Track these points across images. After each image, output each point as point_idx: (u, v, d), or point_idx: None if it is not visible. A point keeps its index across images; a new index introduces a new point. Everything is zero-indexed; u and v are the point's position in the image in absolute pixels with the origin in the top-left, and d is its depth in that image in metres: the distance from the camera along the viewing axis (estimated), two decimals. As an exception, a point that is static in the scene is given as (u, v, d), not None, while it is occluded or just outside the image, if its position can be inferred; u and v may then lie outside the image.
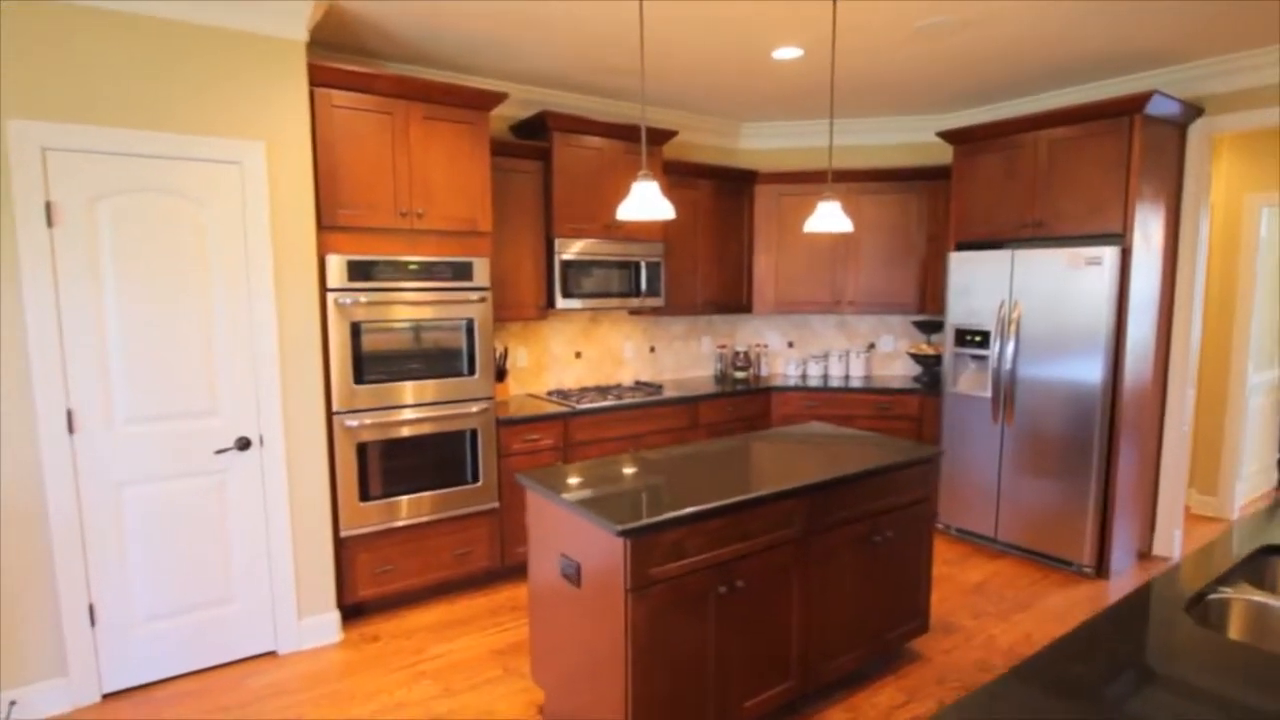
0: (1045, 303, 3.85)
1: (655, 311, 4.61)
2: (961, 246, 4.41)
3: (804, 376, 5.12)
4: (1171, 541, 4.07)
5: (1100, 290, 3.63)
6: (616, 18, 3.14)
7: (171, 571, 2.87)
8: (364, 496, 3.32)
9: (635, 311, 4.72)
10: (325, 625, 3.19)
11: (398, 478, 3.40)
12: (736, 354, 5.12)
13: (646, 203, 2.32)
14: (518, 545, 3.81)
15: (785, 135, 5.28)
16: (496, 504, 3.70)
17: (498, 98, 3.50)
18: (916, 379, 4.96)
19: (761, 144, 5.34)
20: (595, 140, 4.12)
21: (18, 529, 2.58)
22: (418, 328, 3.41)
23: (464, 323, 3.53)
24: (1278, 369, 5.09)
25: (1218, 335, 4.70)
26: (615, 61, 3.76)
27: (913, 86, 4.26)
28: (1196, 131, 3.86)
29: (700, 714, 2.28)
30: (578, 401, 4.07)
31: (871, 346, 5.37)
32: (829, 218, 2.86)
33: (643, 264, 4.36)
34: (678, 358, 5.21)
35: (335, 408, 3.21)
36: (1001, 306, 4.04)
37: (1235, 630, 1.63)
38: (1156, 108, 3.56)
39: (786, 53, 3.60)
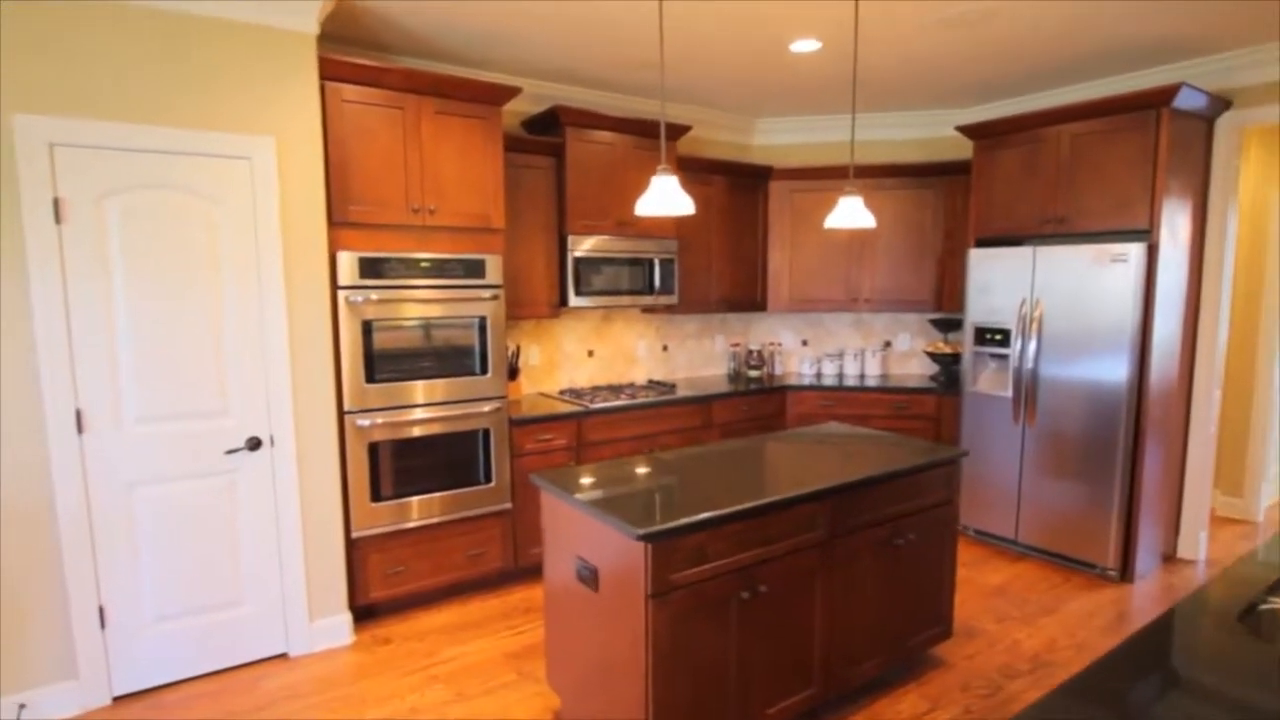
0: (1068, 300, 3.77)
1: (668, 309, 4.55)
2: (981, 243, 4.33)
3: (819, 375, 5.05)
4: (1197, 544, 3.98)
5: (1126, 288, 3.55)
6: (633, 10, 3.08)
7: (182, 573, 2.83)
8: (375, 497, 3.27)
9: (648, 309, 4.66)
10: (337, 627, 3.14)
11: (409, 478, 3.36)
12: (750, 352, 5.06)
13: (666, 197, 2.26)
14: (531, 546, 3.76)
15: (800, 131, 5.20)
16: (509, 505, 3.65)
17: (511, 92, 3.44)
18: (933, 378, 4.88)
19: (776, 140, 5.27)
20: (608, 135, 4.06)
21: (27, 530, 2.54)
22: (429, 326, 3.36)
23: (476, 321, 3.48)
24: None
25: (1244, 334, 4.60)
26: (629, 55, 3.69)
27: (932, 79, 4.18)
28: (1224, 125, 3.76)
29: (721, 722, 2.22)
30: (590, 401, 4.01)
31: (887, 345, 5.29)
32: (851, 213, 2.79)
33: (656, 261, 4.30)
34: (690, 356, 5.15)
35: (346, 407, 3.17)
36: (1023, 304, 3.96)
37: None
38: (1185, 101, 3.47)
39: (804, 45, 3.53)
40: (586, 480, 2.45)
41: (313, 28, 2.88)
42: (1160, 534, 3.90)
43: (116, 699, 2.75)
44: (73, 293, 2.55)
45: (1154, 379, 3.62)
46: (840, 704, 2.69)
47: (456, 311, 3.42)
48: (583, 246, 4.01)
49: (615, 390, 4.38)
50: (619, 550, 2.10)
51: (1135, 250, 3.51)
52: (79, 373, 2.58)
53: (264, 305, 2.88)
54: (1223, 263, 3.81)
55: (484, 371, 3.52)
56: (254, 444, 2.91)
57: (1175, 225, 3.62)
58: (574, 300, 4.00)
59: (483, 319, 3.50)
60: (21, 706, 2.57)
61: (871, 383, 4.79)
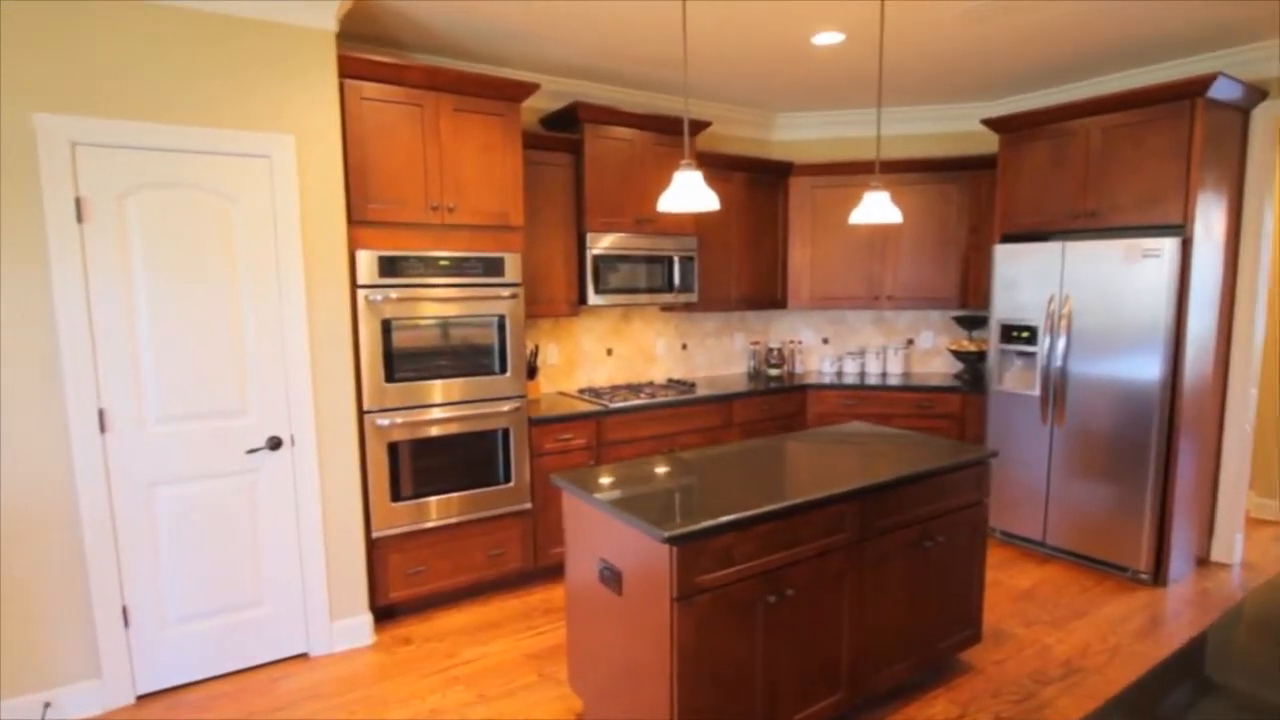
0: (1098, 296, 3.68)
1: (688, 307, 4.51)
2: (1007, 238, 4.24)
3: (840, 374, 4.98)
4: (1232, 547, 3.88)
5: (1159, 283, 3.46)
6: (652, 8, 3.03)
7: (204, 573, 2.83)
8: (395, 497, 3.25)
9: (667, 307, 4.62)
10: (357, 628, 3.13)
11: (429, 478, 3.34)
12: (770, 351, 5.00)
13: (690, 193, 2.21)
14: (551, 546, 3.73)
15: (821, 126, 5.13)
16: (529, 505, 3.62)
17: (530, 88, 3.41)
18: (957, 376, 4.80)
19: (796, 135, 5.20)
20: (626, 132, 4.02)
21: (51, 530, 2.55)
22: (448, 325, 3.34)
23: (495, 319, 3.45)
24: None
25: None
26: (648, 51, 3.65)
27: (958, 71, 4.10)
28: (1260, 116, 3.65)
29: (747, 728, 2.17)
30: (610, 400, 3.97)
31: (910, 342, 5.21)
32: (877, 208, 2.73)
33: (675, 259, 4.25)
34: (710, 355, 5.10)
35: (366, 406, 3.15)
36: (1051, 301, 3.87)
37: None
38: (1220, 91, 3.37)
39: (827, 38, 3.47)
40: (608, 481, 2.41)
41: (332, 25, 2.86)
42: (1194, 536, 3.80)
43: (140, 698, 2.75)
44: (94, 292, 2.55)
45: (1188, 377, 3.52)
46: (868, 709, 2.63)
47: (475, 310, 3.39)
48: (601, 244, 3.97)
49: (634, 389, 4.34)
50: (643, 552, 2.06)
51: (1169, 245, 3.41)
52: (101, 373, 2.58)
53: (284, 304, 2.87)
54: (1259, 258, 3.71)
55: (503, 370, 3.50)
56: (274, 443, 2.90)
57: (1210, 219, 3.53)
58: (593, 298, 3.97)
59: (501, 317, 3.47)
60: (47, 705, 2.58)
61: (894, 381, 4.71)
